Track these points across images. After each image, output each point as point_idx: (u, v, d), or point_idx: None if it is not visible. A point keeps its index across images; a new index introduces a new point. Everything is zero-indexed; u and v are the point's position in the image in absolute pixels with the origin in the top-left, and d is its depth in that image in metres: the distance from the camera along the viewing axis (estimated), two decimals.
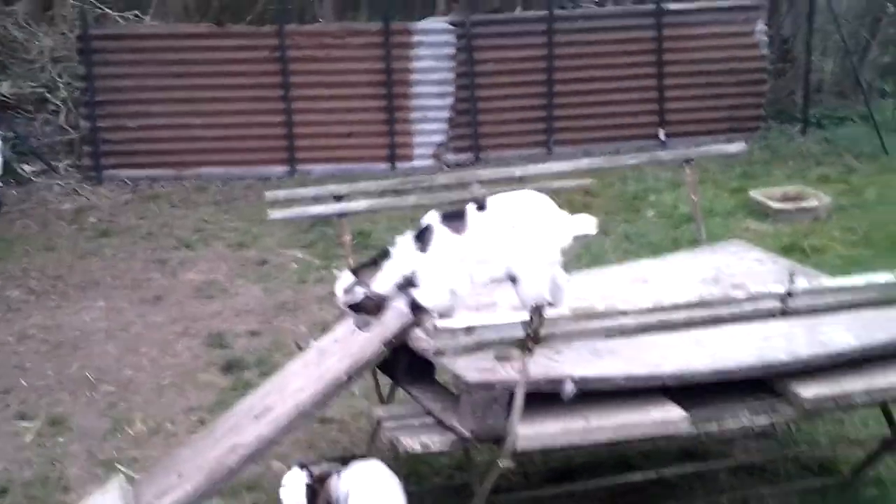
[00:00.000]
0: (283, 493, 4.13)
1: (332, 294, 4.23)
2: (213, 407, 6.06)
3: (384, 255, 4.05)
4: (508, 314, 4.06)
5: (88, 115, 11.39)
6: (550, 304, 3.97)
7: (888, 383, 4.42)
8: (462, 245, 4.01)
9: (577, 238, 4.06)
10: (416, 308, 4.06)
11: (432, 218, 4.08)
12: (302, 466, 4.16)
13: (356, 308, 4.05)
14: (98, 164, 11.35)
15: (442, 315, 3.99)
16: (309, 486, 4.11)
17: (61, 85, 12.12)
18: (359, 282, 4.03)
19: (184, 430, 5.85)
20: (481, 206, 4.06)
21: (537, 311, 3.82)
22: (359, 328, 4.15)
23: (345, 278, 4.09)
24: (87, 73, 11.32)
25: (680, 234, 8.79)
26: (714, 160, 10.84)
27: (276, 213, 5.49)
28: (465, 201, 6.55)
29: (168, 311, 7.69)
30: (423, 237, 4.03)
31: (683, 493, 5.06)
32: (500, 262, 4.02)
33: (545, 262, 4.02)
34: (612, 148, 11.46)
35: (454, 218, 4.06)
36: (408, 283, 4.02)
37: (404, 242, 4.05)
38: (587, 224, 4.15)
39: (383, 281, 4.02)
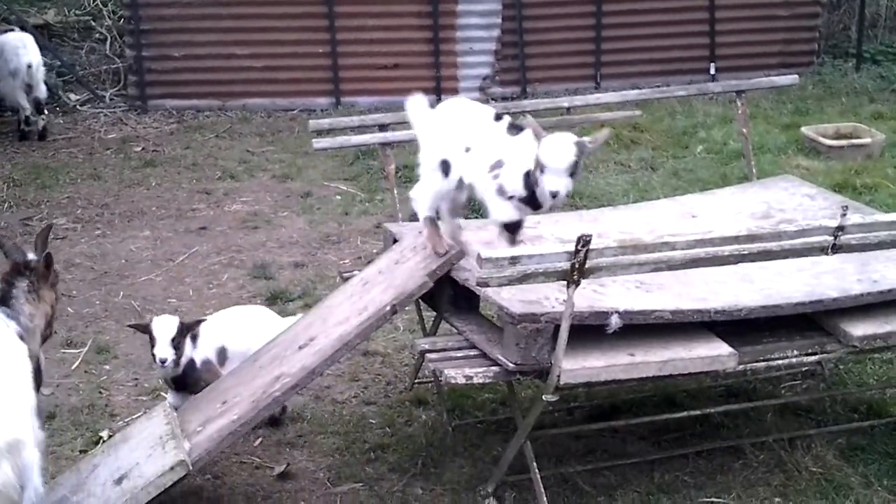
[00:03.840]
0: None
1: (377, 227, 4.21)
2: None
3: None
4: (553, 245, 4.01)
5: (134, 43, 11.33)
6: None
7: None
8: None
9: None
10: None
11: None
12: None
13: None
14: (143, 94, 11.33)
15: None
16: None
17: (106, 13, 12.09)
18: None
19: None
20: None
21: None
22: None
23: None
24: (133, 1, 11.26)
25: (729, 170, 8.65)
26: (765, 96, 10.66)
27: (319, 143, 5.44)
28: None
29: (213, 241, 7.70)
30: None
31: (728, 432, 5.02)
32: None
33: None
34: (661, 82, 11.27)
35: None
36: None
37: None
38: None
39: None
